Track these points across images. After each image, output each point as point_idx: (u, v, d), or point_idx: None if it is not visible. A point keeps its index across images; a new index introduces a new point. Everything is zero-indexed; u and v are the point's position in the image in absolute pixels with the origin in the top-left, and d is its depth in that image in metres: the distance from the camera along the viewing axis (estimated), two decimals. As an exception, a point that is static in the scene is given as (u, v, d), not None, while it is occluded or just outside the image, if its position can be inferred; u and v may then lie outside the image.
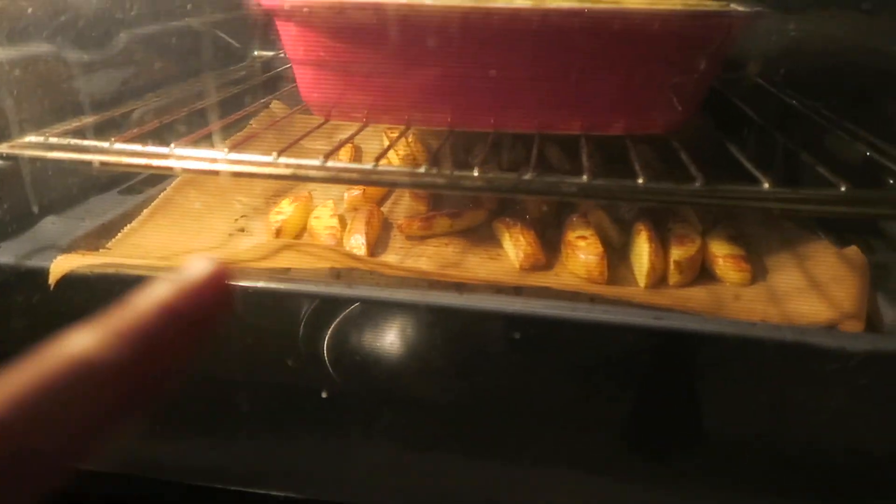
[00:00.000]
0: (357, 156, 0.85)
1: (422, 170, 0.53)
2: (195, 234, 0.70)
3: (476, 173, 0.52)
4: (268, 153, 0.54)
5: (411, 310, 0.52)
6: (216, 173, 0.51)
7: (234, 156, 0.54)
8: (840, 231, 0.66)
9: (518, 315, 0.52)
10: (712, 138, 0.65)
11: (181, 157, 0.52)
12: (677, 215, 0.70)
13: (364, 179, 0.52)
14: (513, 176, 0.52)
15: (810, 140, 0.73)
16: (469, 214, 0.72)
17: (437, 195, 0.76)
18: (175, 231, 0.69)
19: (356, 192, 0.76)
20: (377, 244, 0.68)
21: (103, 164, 0.51)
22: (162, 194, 0.73)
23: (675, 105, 0.62)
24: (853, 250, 0.60)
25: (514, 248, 0.66)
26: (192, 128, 0.64)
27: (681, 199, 0.51)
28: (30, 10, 0.60)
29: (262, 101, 0.85)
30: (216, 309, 0.20)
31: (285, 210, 0.71)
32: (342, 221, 0.71)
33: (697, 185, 0.51)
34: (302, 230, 0.71)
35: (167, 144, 0.54)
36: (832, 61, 0.80)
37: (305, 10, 0.58)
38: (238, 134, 0.86)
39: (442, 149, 0.64)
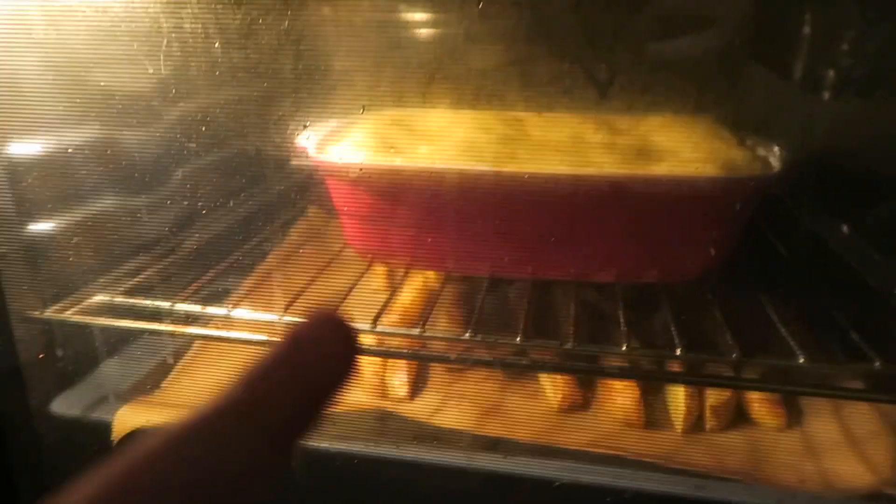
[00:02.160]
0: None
1: (466, 336, 0.55)
2: (241, 367, 0.72)
3: (519, 339, 0.55)
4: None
5: (455, 471, 0.54)
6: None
7: (289, 318, 0.57)
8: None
9: (559, 479, 0.54)
10: (745, 288, 0.66)
11: (239, 321, 0.55)
12: (728, 334, 0.71)
13: (413, 354, 0.55)
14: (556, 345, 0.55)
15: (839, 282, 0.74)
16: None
17: (476, 317, 0.78)
18: (222, 366, 0.72)
19: (394, 317, 0.79)
20: (417, 378, 0.71)
21: (171, 335, 0.54)
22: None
23: (705, 255, 0.64)
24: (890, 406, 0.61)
25: (552, 387, 0.68)
26: (244, 270, 0.67)
27: (714, 373, 0.53)
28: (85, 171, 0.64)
29: (299, 208, 0.88)
30: (335, 365, 0.20)
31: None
32: (385, 359, 0.73)
33: (734, 356, 0.53)
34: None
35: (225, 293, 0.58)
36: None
37: (358, 170, 0.62)
38: (278, 247, 0.90)
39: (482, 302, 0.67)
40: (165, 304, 0.58)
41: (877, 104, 0.79)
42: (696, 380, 0.52)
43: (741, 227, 0.66)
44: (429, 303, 0.79)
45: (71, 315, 0.57)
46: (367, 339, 0.55)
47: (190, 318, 0.57)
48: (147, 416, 0.59)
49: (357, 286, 0.80)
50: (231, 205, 0.61)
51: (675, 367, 0.65)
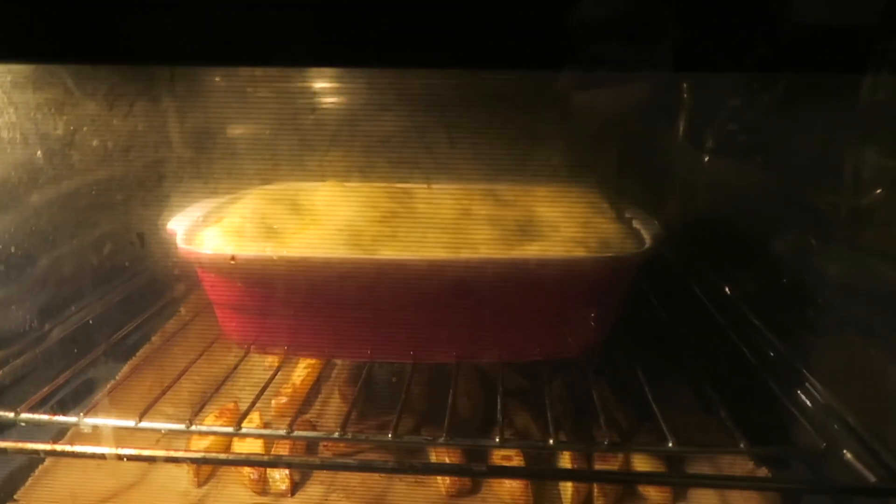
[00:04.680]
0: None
1: (336, 435, 0.53)
2: (113, 466, 0.67)
3: (389, 435, 0.53)
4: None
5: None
6: (120, 458, 0.50)
7: (146, 424, 0.53)
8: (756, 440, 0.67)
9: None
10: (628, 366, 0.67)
11: (91, 427, 0.51)
12: (603, 417, 0.71)
13: (275, 462, 0.52)
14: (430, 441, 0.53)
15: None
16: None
17: (366, 393, 0.75)
18: (91, 465, 0.67)
19: (284, 399, 0.76)
20: (302, 470, 0.67)
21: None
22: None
23: (584, 331, 0.64)
24: (764, 472, 0.61)
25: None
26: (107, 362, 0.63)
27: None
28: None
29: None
30: None
31: (208, 437, 0.69)
32: (267, 445, 0.69)
33: (606, 443, 0.53)
34: (226, 450, 0.69)
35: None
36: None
37: (230, 261, 0.59)
38: (169, 323, 0.85)
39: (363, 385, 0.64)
40: (9, 415, 0.53)
41: (754, 176, 0.82)
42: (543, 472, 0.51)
43: (619, 302, 0.66)
44: (320, 383, 0.76)
45: None
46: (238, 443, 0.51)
47: (37, 429, 0.53)
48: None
49: (246, 370, 0.76)
50: (87, 300, 0.57)
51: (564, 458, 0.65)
